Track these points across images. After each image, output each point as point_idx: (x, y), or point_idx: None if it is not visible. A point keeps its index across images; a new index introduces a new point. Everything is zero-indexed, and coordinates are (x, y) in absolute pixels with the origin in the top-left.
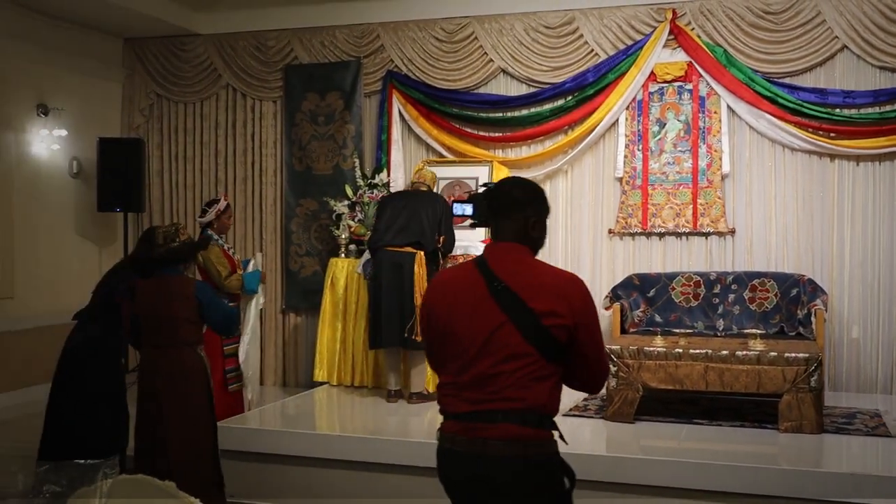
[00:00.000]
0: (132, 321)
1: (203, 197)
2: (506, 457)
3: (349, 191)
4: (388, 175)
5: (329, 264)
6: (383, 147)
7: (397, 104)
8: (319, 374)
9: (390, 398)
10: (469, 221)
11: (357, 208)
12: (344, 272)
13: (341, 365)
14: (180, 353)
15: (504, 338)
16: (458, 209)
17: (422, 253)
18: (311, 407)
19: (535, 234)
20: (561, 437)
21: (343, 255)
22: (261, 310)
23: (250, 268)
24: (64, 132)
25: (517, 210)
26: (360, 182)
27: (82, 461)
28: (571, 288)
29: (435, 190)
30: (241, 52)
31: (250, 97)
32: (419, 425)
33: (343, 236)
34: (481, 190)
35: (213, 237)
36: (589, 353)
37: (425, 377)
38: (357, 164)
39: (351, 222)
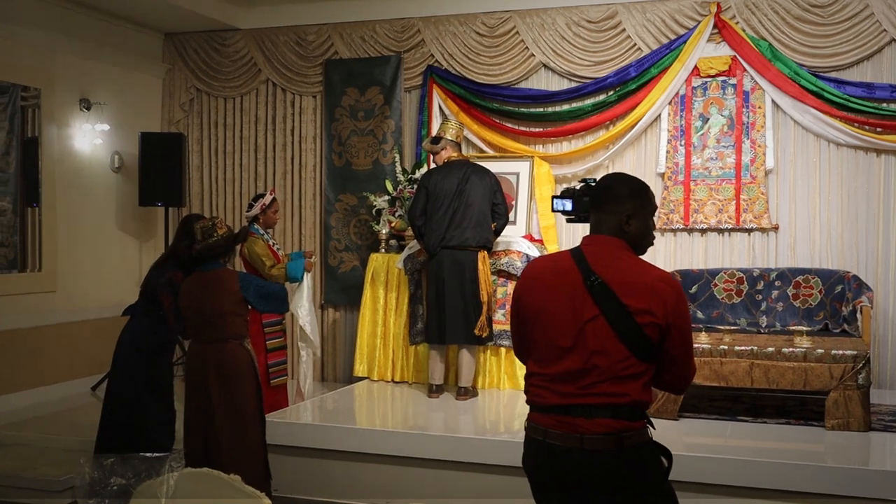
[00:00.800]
0: (177, 315)
1: (243, 192)
2: (602, 450)
3: (389, 186)
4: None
5: (369, 260)
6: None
7: (437, 99)
8: (360, 369)
9: (432, 393)
10: (566, 217)
11: (397, 203)
12: (384, 267)
13: (381, 360)
14: (228, 347)
15: (596, 332)
16: (558, 205)
17: (485, 252)
18: (352, 401)
19: (631, 230)
20: (649, 422)
21: (383, 250)
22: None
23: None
24: (106, 127)
25: (616, 204)
26: (401, 177)
27: (149, 455)
28: (667, 287)
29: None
30: (280, 47)
31: (290, 92)
32: (462, 421)
33: (383, 231)
34: (580, 185)
35: (259, 231)
36: (678, 355)
37: (474, 373)
38: (397, 159)
39: (391, 217)
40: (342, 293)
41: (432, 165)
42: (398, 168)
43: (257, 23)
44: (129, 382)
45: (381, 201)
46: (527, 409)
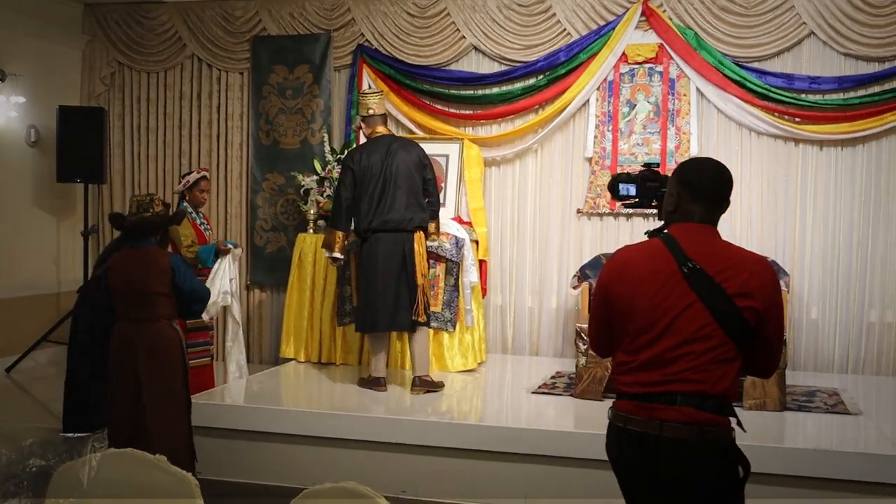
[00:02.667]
0: (105, 295)
1: (167, 169)
2: (682, 440)
3: (318, 166)
4: None
5: (297, 240)
6: (352, 122)
7: (367, 79)
8: (287, 350)
9: (380, 387)
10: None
11: (325, 183)
12: (312, 248)
13: (309, 341)
14: (158, 326)
15: (692, 318)
16: (624, 190)
17: (421, 233)
18: (279, 383)
19: (718, 215)
20: (739, 424)
21: (311, 230)
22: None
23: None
24: (21, 99)
25: (704, 193)
26: (329, 157)
27: (70, 434)
28: (763, 270)
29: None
30: (206, 22)
31: (216, 68)
32: (390, 402)
33: (311, 211)
34: (641, 170)
35: (188, 209)
36: (773, 338)
37: (429, 360)
38: (326, 138)
39: (319, 198)
40: (269, 274)
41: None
42: (327, 148)
43: None
44: (71, 363)
45: (309, 181)
46: (437, 396)
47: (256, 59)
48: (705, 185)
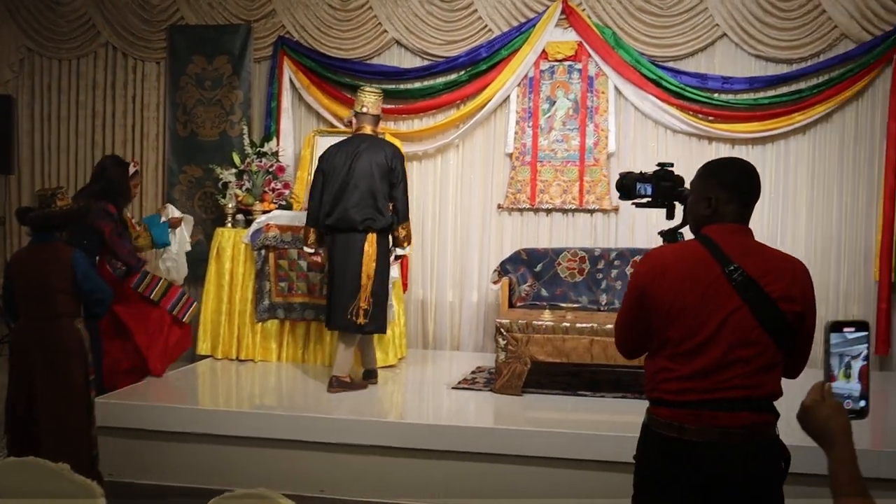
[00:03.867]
0: (6, 291)
1: (79, 160)
2: (744, 444)
3: (237, 158)
4: (278, 143)
5: (214, 234)
6: (273, 115)
7: (288, 71)
8: (203, 347)
9: (365, 383)
10: (639, 202)
11: (245, 177)
12: (230, 242)
13: (226, 338)
14: (58, 325)
15: (739, 323)
16: (641, 189)
17: (373, 234)
18: (195, 381)
19: (749, 215)
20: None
21: (230, 224)
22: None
23: (162, 221)
24: None
25: (741, 192)
26: (249, 150)
27: None
28: (803, 273)
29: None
30: (122, 9)
31: (132, 57)
32: (307, 400)
33: (230, 205)
34: (656, 169)
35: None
36: (808, 339)
37: (350, 364)
38: (245, 131)
39: (238, 191)
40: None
41: (282, 139)
42: (246, 140)
43: None
44: None
45: (227, 174)
46: (358, 393)
47: (174, 48)
48: (742, 186)
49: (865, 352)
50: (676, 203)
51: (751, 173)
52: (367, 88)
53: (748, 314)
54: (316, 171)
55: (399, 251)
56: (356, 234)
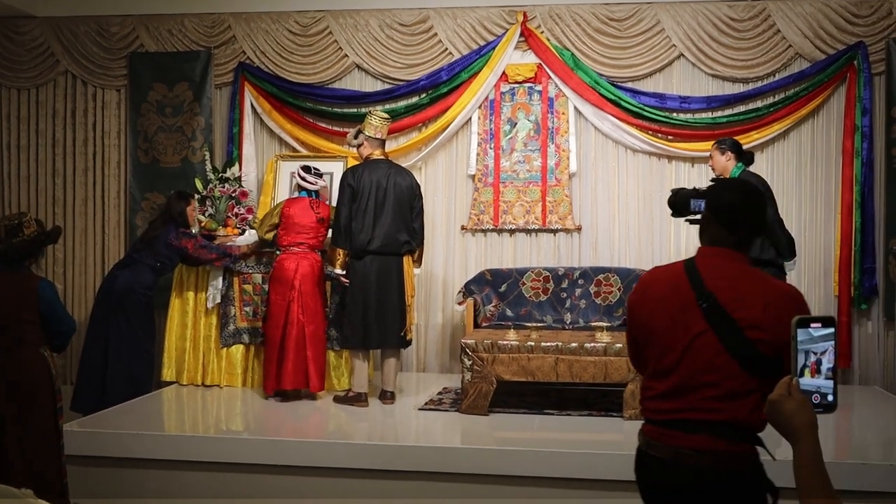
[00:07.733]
0: None
1: (38, 189)
2: (697, 467)
3: (199, 185)
4: (240, 169)
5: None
6: (234, 140)
7: (249, 97)
8: (167, 373)
9: (361, 402)
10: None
11: (208, 202)
12: (194, 269)
13: (191, 364)
14: (24, 353)
15: (704, 348)
16: (695, 205)
17: (409, 256)
18: (160, 407)
19: (748, 241)
20: (767, 451)
21: None
22: None
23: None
24: None
25: (726, 215)
26: (211, 176)
27: None
28: (783, 301)
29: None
30: (81, 37)
31: (91, 85)
32: (278, 424)
33: (193, 230)
34: (710, 185)
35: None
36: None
37: (366, 377)
38: (207, 157)
39: (201, 217)
40: None
41: (244, 164)
42: (208, 166)
43: (55, 10)
44: None
45: None
46: (324, 416)
47: (134, 76)
48: (728, 210)
49: (832, 348)
50: None
51: (741, 199)
52: (378, 113)
53: (714, 340)
54: (343, 187)
55: (416, 271)
56: (395, 257)
